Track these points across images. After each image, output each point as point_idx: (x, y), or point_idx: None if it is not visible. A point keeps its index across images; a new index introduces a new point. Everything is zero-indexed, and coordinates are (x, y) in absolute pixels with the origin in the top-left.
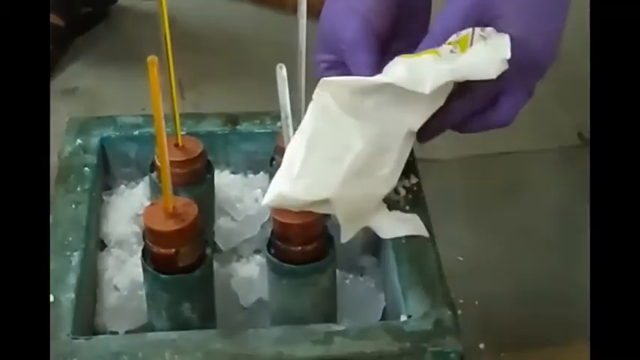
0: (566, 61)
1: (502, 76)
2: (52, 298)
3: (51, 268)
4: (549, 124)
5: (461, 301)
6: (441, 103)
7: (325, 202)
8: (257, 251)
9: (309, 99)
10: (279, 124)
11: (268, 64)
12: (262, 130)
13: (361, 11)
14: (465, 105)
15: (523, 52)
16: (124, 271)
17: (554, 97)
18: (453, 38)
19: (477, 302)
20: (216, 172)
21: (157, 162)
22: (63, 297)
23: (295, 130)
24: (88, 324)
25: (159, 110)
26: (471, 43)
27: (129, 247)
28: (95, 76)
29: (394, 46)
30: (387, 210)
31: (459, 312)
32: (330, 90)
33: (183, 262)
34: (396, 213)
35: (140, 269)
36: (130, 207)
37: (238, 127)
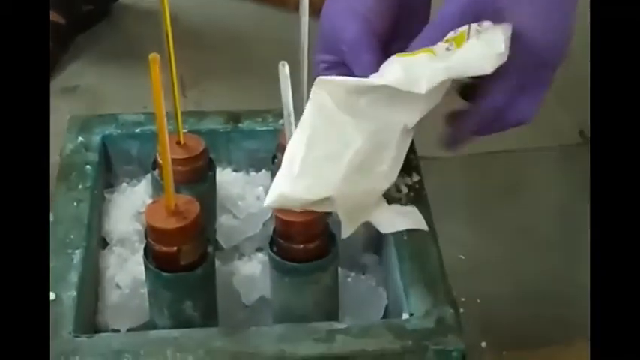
0: (567, 60)
1: (518, 73)
2: (53, 296)
3: (53, 265)
4: (550, 122)
5: (463, 299)
6: (437, 100)
7: (327, 200)
8: (259, 249)
9: None
10: (280, 121)
11: (270, 62)
12: (264, 128)
13: (361, 11)
14: (486, 107)
15: (530, 44)
16: (126, 269)
17: (555, 95)
18: (450, 35)
19: (478, 300)
20: (218, 170)
21: (159, 160)
22: (65, 295)
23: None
24: (89, 322)
25: (161, 108)
26: (468, 39)
27: (131, 245)
28: (97, 73)
29: (394, 46)
30: (387, 204)
31: (461, 310)
32: (327, 88)
33: (185, 260)
34: (396, 207)
35: (142, 267)
36: (131, 205)
37: (240, 124)
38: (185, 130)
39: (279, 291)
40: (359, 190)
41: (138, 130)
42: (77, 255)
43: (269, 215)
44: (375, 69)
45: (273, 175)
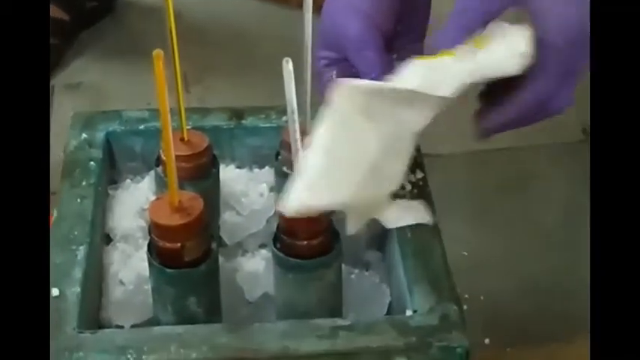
0: None
1: (558, 60)
2: (57, 292)
3: (56, 262)
4: (553, 119)
5: (466, 296)
6: (451, 102)
7: (341, 204)
8: (262, 245)
9: (314, 93)
10: (284, 118)
11: (273, 59)
12: (267, 125)
13: (363, 8)
14: (531, 98)
15: (564, 27)
16: (130, 266)
17: None
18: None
19: (482, 297)
20: (222, 167)
21: (163, 156)
22: (69, 291)
23: (301, 124)
24: (93, 318)
25: (164, 104)
26: (490, 41)
27: (134, 242)
28: (100, 70)
29: (396, 43)
30: (392, 200)
31: (465, 307)
32: (347, 93)
33: (188, 257)
34: (401, 202)
35: (146, 263)
36: (135, 201)
37: (244, 121)
38: (189, 127)
39: (283, 287)
40: (371, 192)
41: (141, 127)
42: (81, 251)
43: (272, 212)
44: (380, 66)
45: (276, 172)
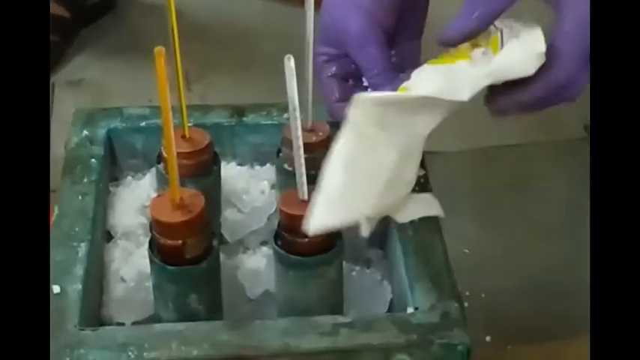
0: None
1: (578, 45)
2: (58, 289)
3: (57, 259)
4: (555, 116)
5: (467, 293)
6: (462, 104)
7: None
8: (264, 243)
9: (316, 91)
10: (285, 115)
11: (274, 56)
12: (269, 122)
13: (363, 4)
14: (549, 83)
15: (583, 21)
16: (131, 263)
17: None
18: (480, 38)
19: (483, 295)
20: (223, 164)
21: (164, 153)
22: (70, 288)
23: (302, 122)
24: (94, 315)
25: (166, 101)
26: (502, 44)
27: (135, 239)
28: (101, 67)
29: (398, 39)
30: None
31: (466, 304)
32: (361, 107)
33: (190, 254)
34: (410, 195)
35: (147, 261)
36: (136, 198)
37: (245, 118)
38: (190, 124)
39: (284, 285)
40: (390, 200)
41: (143, 124)
42: (82, 248)
43: (274, 209)
44: (381, 62)
45: (277, 169)
